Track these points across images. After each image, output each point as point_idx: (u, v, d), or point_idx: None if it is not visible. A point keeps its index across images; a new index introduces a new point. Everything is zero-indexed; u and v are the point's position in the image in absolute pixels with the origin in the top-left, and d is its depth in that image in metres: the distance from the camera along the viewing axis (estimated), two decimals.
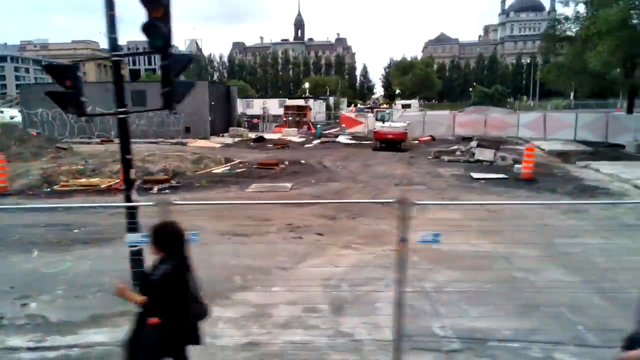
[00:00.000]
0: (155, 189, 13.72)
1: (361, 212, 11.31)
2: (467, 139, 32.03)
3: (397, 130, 26.10)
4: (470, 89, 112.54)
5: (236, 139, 32.81)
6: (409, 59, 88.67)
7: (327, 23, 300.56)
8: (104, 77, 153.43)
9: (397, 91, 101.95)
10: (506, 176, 16.51)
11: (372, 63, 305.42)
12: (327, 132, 38.77)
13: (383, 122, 26.80)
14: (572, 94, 79.52)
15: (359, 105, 75.47)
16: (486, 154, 20.78)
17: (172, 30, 5.85)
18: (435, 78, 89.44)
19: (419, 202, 5.16)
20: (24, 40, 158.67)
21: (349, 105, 77.32)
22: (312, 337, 5.27)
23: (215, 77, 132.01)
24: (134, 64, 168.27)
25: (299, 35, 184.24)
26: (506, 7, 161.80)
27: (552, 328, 5.53)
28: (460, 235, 9.26)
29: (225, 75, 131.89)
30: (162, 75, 6.00)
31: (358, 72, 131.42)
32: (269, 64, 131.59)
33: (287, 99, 49.10)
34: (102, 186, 14.63)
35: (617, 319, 5.29)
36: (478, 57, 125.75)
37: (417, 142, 31.49)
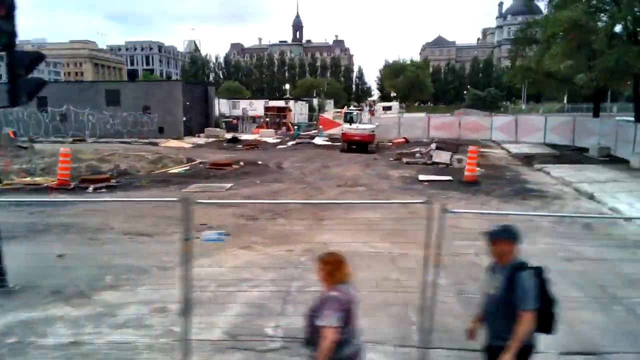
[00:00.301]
0: (91, 188, 13.76)
1: (283, 214, 11.35)
2: (440, 141, 32.16)
3: (365, 132, 26.11)
4: (465, 92, 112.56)
5: (211, 140, 32.88)
6: (401, 61, 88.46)
7: (326, 25, 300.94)
8: (101, 77, 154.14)
9: (393, 94, 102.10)
10: (452, 178, 16.53)
11: (371, 65, 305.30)
12: (306, 133, 38.82)
13: (350, 124, 26.82)
14: (565, 97, 79.60)
15: (351, 107, 75.31)
16: (443, 157, 20.82)
17: (16, 27, 5.92)
18: (427, 80, 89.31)
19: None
20: (22, 40, 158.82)
21: (341, 107, 77.41)
22: (137, 337, 5.31)
23: (211, 78, 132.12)
24: (132, 64, 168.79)
25: (297, 36, 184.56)
26: (503, 10, 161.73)
27: (386, 329, 5.56)
28: (364, 236, 9.35)
29: (221, 76, 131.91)
30: (7, 72, 6.04)
31: (355, 74, 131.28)
32: (265, 66, 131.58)
33: (271, 101, 49.11)
34: (43, 185, 14.68)
35: (459, 320, 5.36)
36: (473, 60, 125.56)
37: (391, 144, 31.55)
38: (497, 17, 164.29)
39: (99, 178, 14.65)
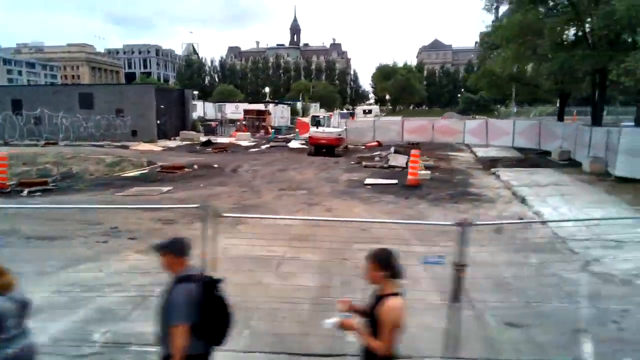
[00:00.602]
0: (26, 191, 13.82)
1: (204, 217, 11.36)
2: (412, 145, 32.21)
3: (331, 136, 26.16)
4: (459, 95, 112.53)
5: (185, 143, 32.98)
6: (392, 65, 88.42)
7: (324, 29, 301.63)
8: (98, 80, 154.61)
9: (387, 97, 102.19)
10: (397, 182, 16.54)
11: (369, 69, 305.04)
12: (283, 137, 38.89)
13: (317, 127, 26.86)
14: (558, 100, 79.41)
15: (340, 110, 75.41)
16: (399, 160, 20.85)
17: None
18: (418, 84, 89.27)
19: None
20: (20, 43, 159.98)
21: (333, 110, 77.51)
22: None
23: (206, 81, 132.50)
24: (130, 67, 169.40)
25: (295, 40, 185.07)
26: (500, 14, 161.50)
27: None
28: (275, 241, 9.36)
29: (217, 79, 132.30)
30: None
31: (349, 78, 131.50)
32: (260, 69, 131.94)
33: (250, 104, 49.19)
34: None
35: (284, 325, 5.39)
36: (467, 64, 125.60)
37: (363, 147, 31.61)
38: (492, 21, 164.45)
39: (34, 182, 14.70)
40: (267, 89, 55.07)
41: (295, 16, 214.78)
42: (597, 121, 20.33)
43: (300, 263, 8.13)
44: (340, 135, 26.57)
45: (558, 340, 5.50)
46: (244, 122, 40.17)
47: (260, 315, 6.07)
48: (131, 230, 10.29)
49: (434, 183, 16.78)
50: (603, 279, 7.65)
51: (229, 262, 7.80)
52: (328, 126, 27.37)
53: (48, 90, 37.36)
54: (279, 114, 44.10)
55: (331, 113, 36.19)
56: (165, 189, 14.94)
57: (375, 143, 32.61)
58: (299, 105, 52.92)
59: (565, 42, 18.66)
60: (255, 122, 40.56)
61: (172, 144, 32.22)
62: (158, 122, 32.55)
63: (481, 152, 27.21)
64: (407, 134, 33.93)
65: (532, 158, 23.95)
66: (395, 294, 3.01)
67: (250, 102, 54.98)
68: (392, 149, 22.88)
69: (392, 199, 13.76)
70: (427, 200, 13.62)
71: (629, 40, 16.03)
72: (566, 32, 18.22)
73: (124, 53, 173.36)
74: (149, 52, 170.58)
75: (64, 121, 32.54)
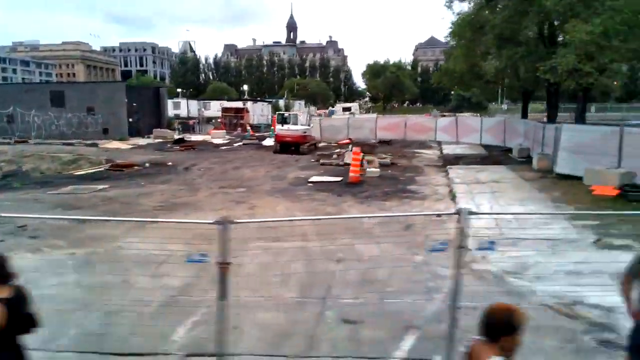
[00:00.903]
0: None
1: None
2: (384, 142, 32.24)
3: (296, 133, 26.13)
4: (452, 92, 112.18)
5: (157, 141, 32.98)
6: (382, 62, 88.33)
7: (321, 26, 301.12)
8: (94, 78, 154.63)
9: (381, 94, 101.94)
10: (341, 179, 16.53)
11: (364, 66, 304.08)
12: (261, 134, 38.89)
13: (282, 125, 26.85)
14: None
15: (330, 108, 75.37)
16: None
17: None
18: (408, 81, 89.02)
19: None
20: (16, 42, 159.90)
21: (325, 108, 77.42)
22: None
23: (201, 79, 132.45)
24: (126, 65, 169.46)
25: (291, 37, 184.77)
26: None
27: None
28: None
29: (211, 77, 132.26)
30: None
31: (343, 75, 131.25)
32: (254, 66, 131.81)
33: (228, 102, 49.15)
34: None
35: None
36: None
37: (336, 144, 31.63)
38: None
39: None
40: (245, 87, 54.74)
41: (291, 13, 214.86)
42: (551, 118, 20.25)
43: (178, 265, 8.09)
44: (305, 132, 26.53)
45: (382, 337, 5.49)
46: (219, 120, 40.10)
47: (99, 316, 6.06)
48: (41, 229, 10.29)
49: (378, 180, 16.78)
50: (478, 275, 7.64)
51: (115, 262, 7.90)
52: (295, 124, 27.29)
53: (20, 89, 37.42)
54: (258, 111, 44.08)
55: (301, 110, 36.01)
56: (100, 187, 14.96)
57: (348, 140, 32.58)
58: (281, 102, 52.80)
59: (508, 40, 18.61)
60: (233, 119, 40.57)
61: (143, 142, 32.23)
62: (130, 120, 32.58)
63: (448, 150, 27.19)
64: (380, 132, 33.93)
65: (494, 155, 23.91)
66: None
67: (240, 101, 54.90)
68: (351, 147, 22.75)
69: (323, 197, 13.76)
70: (357, 198, 13.61)
71: (560, 38, 15.94)
72: (508, 29, 18.07)
73: (120, 51, 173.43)
74: (145, 50, 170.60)
75: (36, 119, 32.60)
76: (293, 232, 8.89)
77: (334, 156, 22.76)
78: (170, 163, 21.01)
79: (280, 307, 6.31)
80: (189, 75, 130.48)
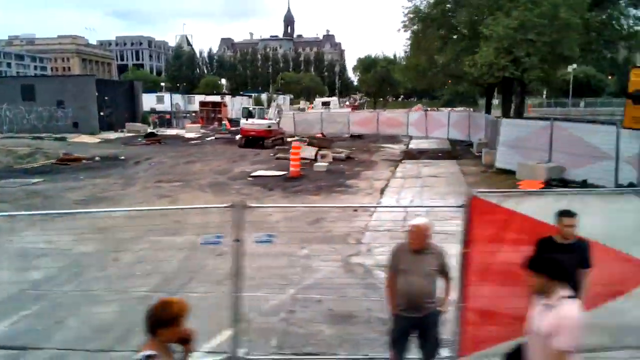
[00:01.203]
0: None
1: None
2: (357, 136, 32.15)
3: (260, 128, 26.04)
4: (446, 87, 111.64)
5: (129, 135, 32.94)
6: (373, 56, 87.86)
7: (319, 20, 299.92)
8: (89, 71, 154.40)
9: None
10: (282, 173, 16.45)
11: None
12: (237, 128, 38.73)
13: (247, 119, 26.76)
14: (544, 92, 78.78)
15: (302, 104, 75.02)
16: (307, 152, 20.70)
17: None
18: (398, 75, 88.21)
19: None
20: (12, 35, 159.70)
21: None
22: None
23: (195, 73, 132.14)
24: (122, 59, 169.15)
25: (288, 31, 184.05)
26: None
27: None
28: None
29: (205, 71, 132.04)
30: None
31: (337, 69, 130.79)
32: (249, 61, 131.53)
33: (208, 96, 49.02)
34: None
35: None
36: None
37: (307, 138, 31.53)
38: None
39: None
40: (223, 81, 54.30)
41: (289, 7, 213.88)
42: (505, 112, 20.12)
43: (64, 256, 8.08)
44: (271, 127, 26.42)
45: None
46: (193, 114, 40.02)
47: None
48: None
49: (322, 175, 16.73)
50: (349, 269, 7.60)
51: None
52: (261, 118, 27.22)
53: None
54: (237, 105, 43.94)
55: (224, 101, 35.93)
56: (34, 180, 14.93)
57: (320, 135, 32.47)
58: (263, 96, 52.51)
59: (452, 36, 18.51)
60: (211, 114, 40.46)
61: (114, 136, 32.20)
62: (102, 113, 32.52)
63: (414, 144, 27.12)
64: (353, 126, 33.80)
65: (456, 150, 23.83)
66: None
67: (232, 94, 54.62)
68: (307, 141, 22.66)
69: (252, 191, 13.71)
70: (285, 192, 13.55)
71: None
72: (447, 24, 17.89)
73: (117, 45, 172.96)
74: (141, 43, 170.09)
75: (7, 113, 32.56)
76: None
77: (290, 151, 22.62)
78: (122, 157, 20.96)
79: None
80: (183, 69, 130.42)
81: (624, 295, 4.26)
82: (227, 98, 42.69)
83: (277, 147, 25.05)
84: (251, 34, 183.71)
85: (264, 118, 27.84)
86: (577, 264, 3.72)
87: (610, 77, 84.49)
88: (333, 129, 33.95)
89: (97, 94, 31.85)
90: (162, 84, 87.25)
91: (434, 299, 3.99)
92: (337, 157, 20.90)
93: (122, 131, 34.51)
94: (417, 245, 3.92)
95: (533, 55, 13.92)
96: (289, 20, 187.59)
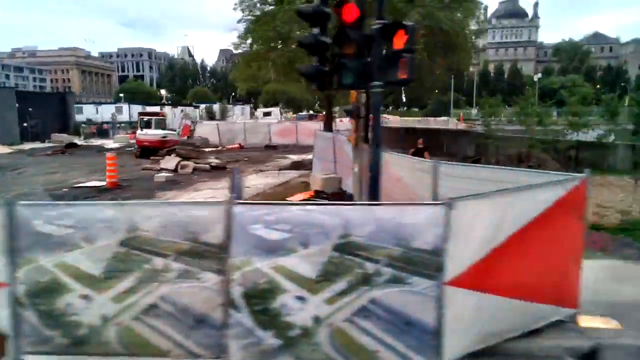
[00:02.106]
0: None
1: None
2: (270, 147, 32.02)
3: (154, 138, 26.06)
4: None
5: (51, 145, 33.23)
6: None
7: None
8: (89, 83, 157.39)
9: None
10: (102, 184, 16.31)
11: None
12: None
13: (141, 130, 26.79)
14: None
15: (299, 113, 74.96)
16: (170, 163, 20.60)
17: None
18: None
19: None
20: (15, 48, 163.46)
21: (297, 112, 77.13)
22: None
23: (189, 84, 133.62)
24: (123, 70, 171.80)
25: None
26: (489, 14, 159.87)
27: None
28: None
29: (198, 82, 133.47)
30: None
31: None
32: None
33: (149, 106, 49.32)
34: None
35: None
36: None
37: (225, 149, 31.56)
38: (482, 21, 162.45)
39: None
40: (162, 92, 53.93)
41: None
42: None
43: None
44: (166, 137, 26.36)
45: None
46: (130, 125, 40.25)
47: None
48: None
49: (149, 185, 16.67)
50: None
51: None
52: (164, 128, 27.28)
53: None
54: (179, 116, 44.02)
55: (162, 112, 35.97)
56: None
57: (237, 145, 32.50)
58: (215, 107, 52.51)
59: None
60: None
61: (34, 146, 32.50)
62: (25, 124, 32.90)
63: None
64: (274, 137, 33.77)
65: None
66: None
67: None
68: (175, 152, 22.43)
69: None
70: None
71: None
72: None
73: (117, 56, 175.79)
74: (141, 55, 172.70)
75: None
76: None
77: (160, 161, 22.52)
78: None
79: None
80: (177, 80, 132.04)
81: None
82: (167, 108, 42.96)
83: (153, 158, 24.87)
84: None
85: (164, 128, 27.77)
86: None
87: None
88: (256, 139, 33.93)
89: (17, 105, 32.23)
90: (163, 92, 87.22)
91: None
92: (200, 168, 20.75)
93: (48, 142, 34.87)
94: None
95: None
96: None
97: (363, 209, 4.91)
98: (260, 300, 4.60)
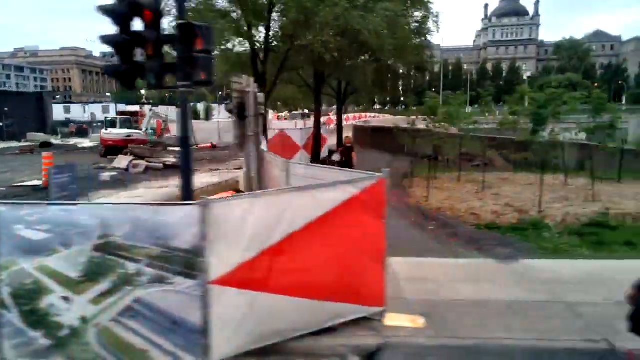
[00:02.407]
0: None
1: None
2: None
3: (117, 137, 26.17)
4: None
5: (27, 144, 33.49)
6: None
7: None
8: (89, 83, 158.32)
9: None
10: (38, 184, 16.35)
11: None
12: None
13: (106, 129, 26.95)
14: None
15: (292, 112, 74.78)
16: (122, 163, 20.71)
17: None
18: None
19: None
20: (17, 48, 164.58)
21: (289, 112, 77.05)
22: None
23: None
24: None
25: None
26: (489, 12, 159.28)
27: None
28: None
29: None
30: None
31: None
32: None
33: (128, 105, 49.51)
34: None
35: None
36: (442, 63, 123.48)
37: (196, 148, 31.59)
38: (482, 19, 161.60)
39: None
40: (143, 91, 53.88)
41: None
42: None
43: None
44: (130, 136, 26.49)
45: None
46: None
47: None
48: None
49: (93, 184, 16.68)
50: None
51: None
52: (130, 128, 27.45)
53: None
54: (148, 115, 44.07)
55: (141, 111, 35.87)
56: None
57: (209, 145, 32.60)
58: (199, 106, 52.49)
59: None
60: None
61: (9, 145, 32.78)
62: (1, 124, 33.21)
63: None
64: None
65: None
66: None
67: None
68: (130, 152, 22.58)
69: None
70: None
71: None
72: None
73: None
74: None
75: None
76: None
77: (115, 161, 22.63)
78: None
79: None
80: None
81: None
82: (146, 108, 43.10)
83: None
84: None
85: (132, 128, 27.95)
86: None
87: None
88: (229, 138, 33.87)
89: None
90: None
91: None
92: (152, 167, 20.82)
93: (25, 141, 35.15)
94: None
95: None
96: None
97: (120, 209, 4.93)
98: (28, 300, 4.63)
